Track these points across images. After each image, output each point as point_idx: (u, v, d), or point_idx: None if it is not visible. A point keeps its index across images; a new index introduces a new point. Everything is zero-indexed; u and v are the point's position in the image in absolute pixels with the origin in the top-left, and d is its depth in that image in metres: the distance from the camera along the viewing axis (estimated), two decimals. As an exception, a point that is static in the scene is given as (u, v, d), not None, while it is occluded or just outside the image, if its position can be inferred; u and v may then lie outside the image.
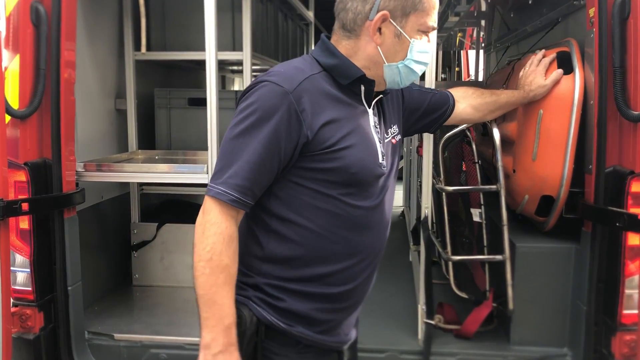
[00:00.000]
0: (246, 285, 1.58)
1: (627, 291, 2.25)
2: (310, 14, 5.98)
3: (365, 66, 1.58)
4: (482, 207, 2.49)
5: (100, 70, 3.25)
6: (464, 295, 2.72)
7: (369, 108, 1.63)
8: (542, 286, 2.57)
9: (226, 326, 1.45)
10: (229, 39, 3.35)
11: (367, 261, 1.64)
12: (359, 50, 1.58)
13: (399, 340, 2.71)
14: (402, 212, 5.81)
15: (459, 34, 7.78)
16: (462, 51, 8.00)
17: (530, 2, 3.24)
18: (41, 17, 2.45)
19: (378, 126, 1.66)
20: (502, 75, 3.32)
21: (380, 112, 1.70)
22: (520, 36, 3.79)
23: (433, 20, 1.58)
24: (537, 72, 2.38)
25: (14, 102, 2.44)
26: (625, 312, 2.25)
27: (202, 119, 2.82)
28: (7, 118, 2.42)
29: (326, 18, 8.41)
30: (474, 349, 2.62)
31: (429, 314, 2.63)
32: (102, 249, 3.31)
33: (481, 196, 2.53)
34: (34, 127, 2.52)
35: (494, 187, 2.46)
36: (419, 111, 1.98)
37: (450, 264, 2.73)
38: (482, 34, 5.85)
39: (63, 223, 2.60)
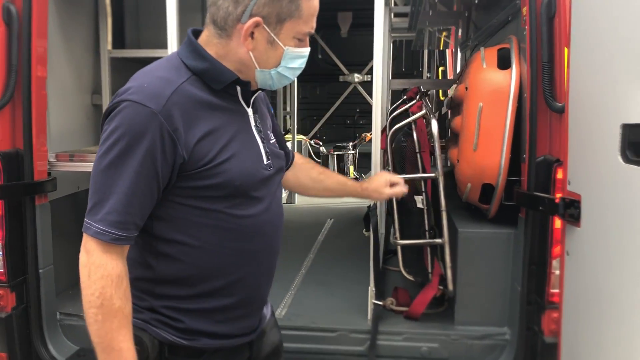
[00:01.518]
0: (142, 308, 1.53)
1: (554, 272, 2.41)
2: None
3: (237, 69, 1.48)
4: (424, 193, 2.63)
5: (76, 67, 3.42)
6: (410, 277, 2.87)
7: (248, 107, 1.56)
8: (484, 269, 2.72)
9: None
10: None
11: (264, 265, 1.62)
12: (230, 52, 1.47)
13: (350, 320, 2.87)
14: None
15: (444, 33, 7.92)
16: (447, 50, 8.13)
17: (476, 1, 3.40)
18: (12, 16, 2.61)
19: (260, 125, 1.59)
20: (461, 72, 3.48)
21: (258, 110, 1.62)
22: (483, 35, 3.94)
23: (311, 26, 1.48)
24: (383, 181, 2.13)
25: (-13, 96, 2.61)
26: (553, 290, 2.41)
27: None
28: (-19, 111, 2.60)
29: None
30: (420, 328, 2.77)
31: (379, 295, 2.78)
32: (78, 236, 3.44)
33: (422, 183, 2.67)
34: (7, 119, 2.69)
35: (432, 174, 2.60)
36: None
37: (399, 248, 2.89)
38: (459, 32, 5.99)
39: (34, 209, 2.77)
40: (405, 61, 8.68)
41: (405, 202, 2.70)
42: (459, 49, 5.90)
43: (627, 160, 1.73)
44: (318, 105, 9.15)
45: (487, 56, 2.71)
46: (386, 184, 2.13)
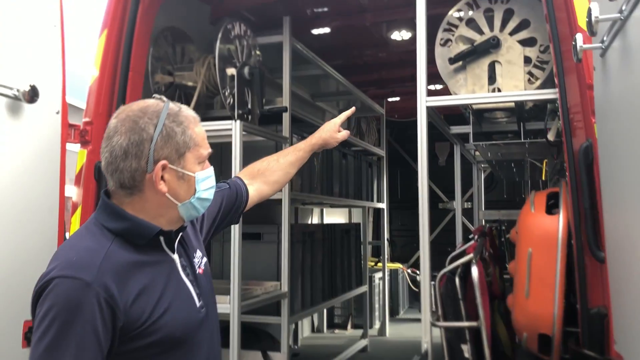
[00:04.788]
0: None
1: None
2: (379, 151, 6.37)
3: (159, 214, 1.52)
4: (468, 342, 2.51)
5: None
6: None
7: (174, 253, 1.58)
8: None
9: None
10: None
11: None
12: (147, 203, 1.51)
13: None
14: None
15: (545, 162, 7.76)
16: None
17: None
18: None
19: (187, 266, 1.62)
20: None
21: (183, 248, 1.64)
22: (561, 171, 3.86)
23: (206, 147, 1.58)
24: (334, 127, 2.18)
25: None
26: None
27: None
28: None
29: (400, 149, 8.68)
30: None
31: None
32: None
33: (466, 332, 2.55)
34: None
35: (474, 323, 2.51)
36: (217, 217, 1.90)
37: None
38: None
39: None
40: (507, 188, 8.53)
41: (454, 351, 2.59)
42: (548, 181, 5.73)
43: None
44: (417, 232, 9.10)
45: (536, 200, 2.67)
46: (337, 129, 2.18)
